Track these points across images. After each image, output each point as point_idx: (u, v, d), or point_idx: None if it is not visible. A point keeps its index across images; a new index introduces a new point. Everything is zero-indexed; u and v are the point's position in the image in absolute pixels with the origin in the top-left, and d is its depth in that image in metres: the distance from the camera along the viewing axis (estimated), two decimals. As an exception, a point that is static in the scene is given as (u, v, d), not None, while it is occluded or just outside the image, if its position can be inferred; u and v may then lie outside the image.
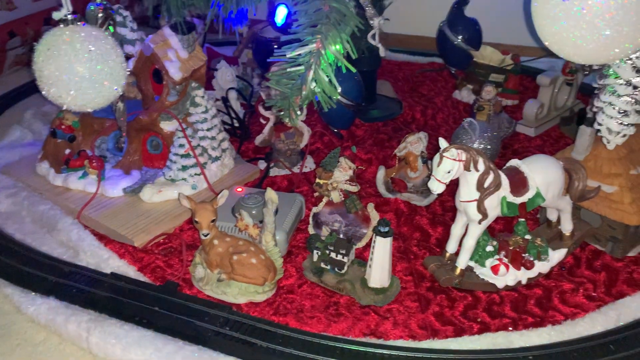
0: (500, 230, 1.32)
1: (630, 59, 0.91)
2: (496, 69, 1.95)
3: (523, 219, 1.19)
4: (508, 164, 1.14)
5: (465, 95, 2.03)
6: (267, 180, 1.52)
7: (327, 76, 0.66)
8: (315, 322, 1.08)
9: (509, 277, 1.15)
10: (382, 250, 1.10)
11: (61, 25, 0.95)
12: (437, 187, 1.05)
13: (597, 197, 1.19)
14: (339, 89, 0.68)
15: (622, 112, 0.97)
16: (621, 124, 0.98)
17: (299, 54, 0.65)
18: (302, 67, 0.66)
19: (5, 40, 2.10)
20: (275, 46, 1.74)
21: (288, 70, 0.66)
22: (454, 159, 1.02)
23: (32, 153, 1.61)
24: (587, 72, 1.70)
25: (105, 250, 1.23)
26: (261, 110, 1.53)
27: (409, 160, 1.40)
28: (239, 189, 1.36)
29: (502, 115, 1.73)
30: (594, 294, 1.14)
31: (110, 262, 1.21)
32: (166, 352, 0.98)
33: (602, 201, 1.20)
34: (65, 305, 1.10)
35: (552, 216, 1.25)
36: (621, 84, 0.95)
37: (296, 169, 1.55)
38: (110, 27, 1.22)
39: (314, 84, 0.66)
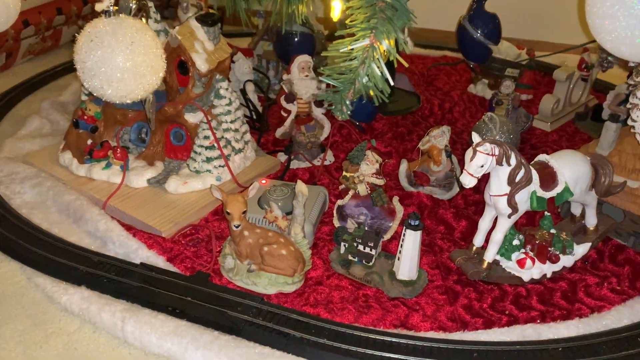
0: (522, 224, 1.34)
1: None
2: (512, 63, 1.96)
3: (549, 213, 1.21)
4: (537, 159, 1.16)
5: (480, 89, 2.04)
6: (288, 172, 1.53)
7: (380, 70, 0.67)
8: (345, 313, 1.09)
9: (534, 270, 1.16)
10: (411, 243, 1.11)
11: (103, 17, 0.96)
12: (469, 181, 1.06)
13: (623, 192, 1.21)
14: (392, 83, 0.69)
15: (657, 108, 0.99)
16: (656, 120, 1.00)
17: (352, 49, 0.66)
18: (355, 62, 0.66)
19: (20, 30, 2.09)
20: (296, 39, 1.76)
21: (341, 64, 0.67)
22: (488, 154, 1.04)
23: (52, 143, 1.61)
24: (605, 69, 1.71)
25: (134, 240, 1.24)
26: (283, 103, 1.53)
27: (432, 153, 1.41)
28: (263, 181, 1.37)
29: (520, 109, 1.75)
30: (618, 287, 1.15)
31: (139, 253, 1.22)
32: (203, 341, 0.99)
33: (626, 196, 1.22)
34: (97, 294, 1.11)
35: (576, 211, 1.26)
36: (658, 81, 0.96)
37: (316, 162, 1.56)
38: (143, 19, 1.22)
39: (366, 79, 0.67)
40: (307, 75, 1.51)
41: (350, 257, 1.20)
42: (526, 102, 2.00)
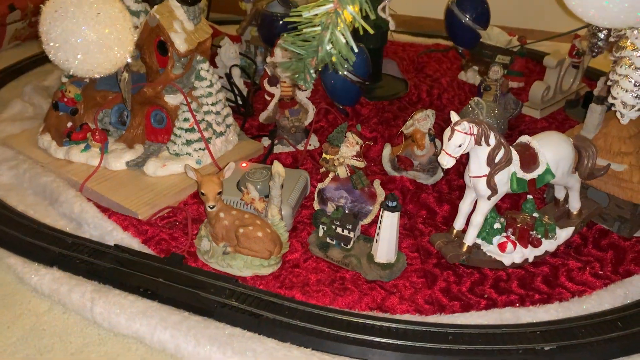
0: (507, 209, 1.32)
1: None
2: (502, 50, 1.93)
3: (531, 197, 1.19)
4: (518, 140, 1.13)
5: (470, 76, 2.01)
6: (271, 156, 1.51)
7: (344, 38, 0.65)
8: (321, 295, 1.07)
9: (516, 254, 1.14)
10: (389, 224, 1.09)
11: (68, -13, 0.93)
12: (447, 161, 1.03)
13: (606, 175, 1.19)
14: (356, 50, 0.66)
15: (638, 85, 0.96)
16: (636, 97, 0.97)
17: (315, 14, 0.63)
18: (318, 28, 0.64)
19: (5, 14, 2.07)
20: (281, 22, 1.73)
21: (304, 31, 0.64)
22: (466, 133, 1.01)
23: (33, 126, 1.59)
24: (595, 54, 1.68)
25: (109, 222, 1.22)
26: (266, 86, 1.51)
27: (415, 137, 1.38)
28: (244, 164, 1.35)
29: (509, 96, 1.72)
30: (600, 272, 1.13)
31: (114, 234, 1.20)
32: (171, 322, 0.97)
33: (610, 180, 1.19)
34: (69, 276, 1.09)
35: (559, 194, 1.24)
36: (639, 56, 0.93)
37: (300, 146, 1.54)
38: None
39: (330, 46, 0.65)
40: (291, 58, 1.48)
41: (328, 240, 1.17)
42: (517, 90, 1.97)
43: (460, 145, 1.02)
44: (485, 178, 1.06)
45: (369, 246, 1.16)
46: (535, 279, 1.12)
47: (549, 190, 1.33)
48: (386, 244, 1.11)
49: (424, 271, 1.14)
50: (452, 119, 1.04)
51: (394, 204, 1.08)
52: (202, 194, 1.09)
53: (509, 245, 1.13)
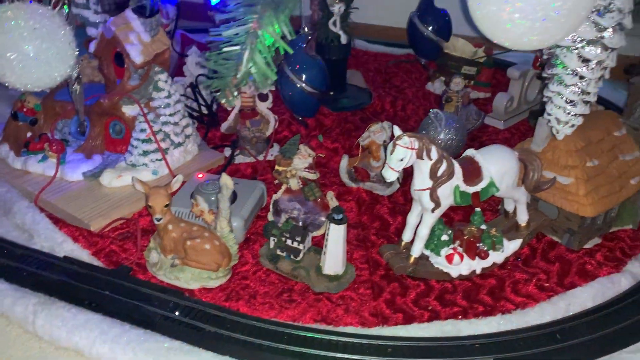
0: (459, 220, 1.33)
1: (576, 48, 0.91)
2: (468, 61, 1.95)
3: (479, 209, 1.20)
4: (464, 154, 1.15)
5: (437, 87, 2.03)
6: (231, 167, 1.51)
7: (265, 57, 0.65)
8: (266, 308, 1.08)
9: (463, 266, 1.15)
10: (335, 237, 1.10)
11: (6, 2, 0.94)
12: (390, 175, 1.05)
13: (554, 188, 1.20)
14: (274, 74, 0.67)
15: (569, 102, 0.98)
16: (569, 113, 0.98)
17: (236, 34, 0.64)
18: (238, 47, 0.65)
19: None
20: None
21: (225, 50, 0.65)
22: (407, 147, 1.02)
23: (-6, 136, 1.58)
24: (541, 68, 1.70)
25: (60, 233, 1.22)
26: (226, 96, 1.51)
27: (371, 149, 1.40)
28: (200, 175, 1.35)
29: (471, 107, 1.74)
30: (546, 284, 1.14)
31: (64, 246, 1.20)
32: (112, 335, 0.97)
33: (558, 192, 1.21)
34: (14, 288, 1.09)
35: (509, 207, 1.25)
36: (568, 74, 0.95)
37: (261, 157, 1.55)
38: (65, 7, 1.20)
39: (250, 65, 0.66)
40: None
41: (278, 252, 1.18)
42: (484, 100, 1.99)
43: (402, 159, 1.03)
44: (428, 191, 1.07)
45: (318, 258, 1.17)
46: (480, 291, 1.13)
47: (504, 202, 1.34)
48: (333, 256, 1.12)
49: (371, 282, 1.15)
50: (394, 134, 1.05)
51: (340, 216, 1.09)
52: (149, 206, 1.09)
53: (456, 257, 1.14)
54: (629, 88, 1.24)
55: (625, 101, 1.25)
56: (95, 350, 0.95)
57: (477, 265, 1.17)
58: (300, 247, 1.16)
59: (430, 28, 1.77)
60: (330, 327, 1.04)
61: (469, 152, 1.14)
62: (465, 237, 1.16)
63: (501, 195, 1.17)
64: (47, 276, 1.11)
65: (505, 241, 1.19)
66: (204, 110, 1.72)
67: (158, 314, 1.03)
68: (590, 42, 0.92)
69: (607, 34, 0.91)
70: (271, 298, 1.10)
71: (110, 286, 1.09)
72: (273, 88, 1.47)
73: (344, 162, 1.45)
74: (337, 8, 1.16)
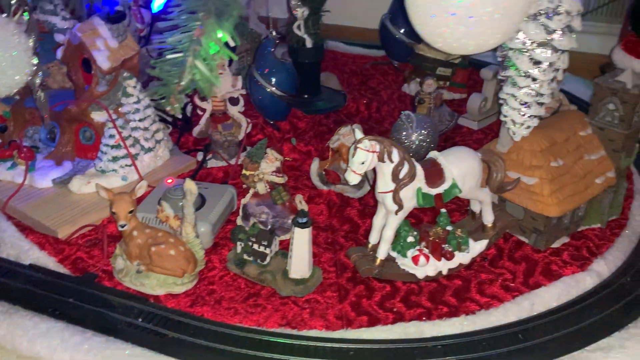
0: (428, 222, 1.33)
1: (527, 51, 0.92)
2: (443, 62, 1.96)
3: (444, 210, 1.20)
4: (428, 156, 1.15)
5: (413, 88, 2.03)
6: (202, 171, 1.51)
7: (208, 64, 0.66)
8: (231, 313, 1.08)
9: (429, 267, 1.16)
10: (300, 241, 1.10)
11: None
12: (352, 178, 1.05)
13: (519, 189, 1.21)
14: (217, 81, 0.67)
15: (523, 104, 0.98)
16: (523, 115, 0.99)
17: (179, 41, 0.64)
18: (181, 55, 0.65)
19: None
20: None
21: (168, 57, 0.65)
22: (368, 150, 1.03)
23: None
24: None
25: (26, 241, 1.22)
26: (197, 101, 1.52)
27: (341, 152, 1.40)
28: (169, 181, 1.35)
29: (444, 108, 1.75)
30: (511, 284, 1.15)
31: (30, 254, 1.19)
32: (73, 342, 0.97)
33: (523, 193, 1.22)
34: (-22, 297, 1.08)
35: (475, 208, 1.26)
36: (521, 76, 0.96)
37: (233, 161, 1.55)
38: (25, 14, 1.19)
39: (194, 72, 0.66)
40: (221, 73, 1.49)
41: (245, 257, 1.18)
42: (459, 101, 2.00)
43: (363, 163, 1.03)
44: (391, 194, 1.08)
45: (285, 262, 1.17)
46: (446, 292, 1.13)
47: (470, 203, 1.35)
48: (299, 260, 1.12)
49: (338, 285, 1.15)
50: (355, 137, 1.05)
51: (304, 220, 1.09)
52: (113, 213, 1.09)
53: (422, 259, 1.15)
54: (594, 87, 1.25)
55: (590, 101, 1.26)
56: (56, 358, 0.95)
57: (443, 266, 1.17)
58: (267, 251, 1.16)
59: (402, 30, 1.78)
60: (294, 331, 1.04)
61: (432, 154, 1.14)
62: (430, 239, 1.17)
63: (465, 197, 1.17)
64: (12, 284, 1.11)
65: (471, 242, 1.20)
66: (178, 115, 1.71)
67: (121, 320, 1.03)
68: (540, 45, 0.92)
69: (557, 36, 0.92)
70: (237, 303, 1.10)
71: (75, 294, 1.09)
72: (243, 92, 1.47)
73: (315, 165, 1.45)
74: (301, 12, 1.16)
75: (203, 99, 1.51)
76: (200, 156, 1.57)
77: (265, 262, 1.16)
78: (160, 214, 1.17)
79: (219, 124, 1.54)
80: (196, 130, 1.56)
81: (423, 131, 1.55)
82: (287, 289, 1.13)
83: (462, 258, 1.18)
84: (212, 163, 1.55)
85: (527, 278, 1.16)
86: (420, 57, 1.96)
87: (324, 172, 1.44)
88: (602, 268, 1.19)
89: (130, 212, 1.10)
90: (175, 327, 1.01)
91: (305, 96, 1.75)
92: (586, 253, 1.24)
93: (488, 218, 1.22)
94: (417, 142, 1.54)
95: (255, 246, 1.17)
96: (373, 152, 1.03)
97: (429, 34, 0.84)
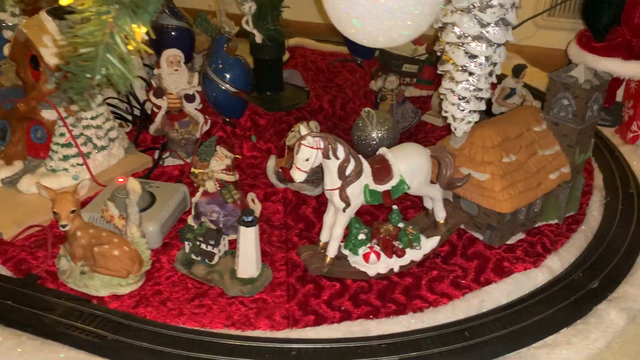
0: (385, 219, 1.32)
1: (462, 45, 0.91)
2: (409, 59, 1.95)
3: (396, 207, 1.19)
4: (377, 152, 1.14)
5: (380, 85, 2.02)
6: (158, 170, 1.49)
7: (122, 58, 0.63)
8: (176, 314, 1.05)
9: (380, 265, 1.14)
10: (247, 239, 1.08)
11: None
12: (297, 176, 1.03)
13: (471, 185, 1.20)
14: (131, 78, 0.65)
15: (462, 99, 0.97)
16: (463, 110, 0.98)
17: (91, 34, 0.62)
18: (93, 49, 0.63)
19: None
20: (173, 33, 1.72)
21: (81, 51, 0.63)
22: (312, 147, 1.01)
23: None
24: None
25: (-32, 243, 1.18)
26: (152, 98, 1.49)
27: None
28: (121, 180, 1.32)
29: (407, 104, 1.73)
30: (463, 281, 1.14)
31: (-28, 256, 1.16)
32: (6, 346, 0.94)
33: (475, 189, 1.21)
34: None
35: (428, 204, 1.25)
36: (458, 70, 0.94)
37: (190, 159, 1.52)
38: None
39: (107, 66, 0.64)
40: (176, 70, 1.47)
41: (193, 257, 1.16)
42: (426, 98, 1.99)
43: (307, 159, 1.02)
44: (338, 191, 1.06)
45: (234, 261, 1.15)
46: (396, 289, 1.12)
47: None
48: (246, 259, 1.10)
49: (287, 284, 1.13)
50: (301, 133, 1.03)
51: (250, 218, 1.07)
52: (55, 212, 1.06)
53: (372, 256, 1.13)
54: (548, 82, 1.24)
55: (545, 96, 1.25)
56: (-13, 363, 0.92)
57: (395, 263, 1.16)
58: (215, 250, 1.14)
59: (363, 26, 1.76)
60: (238, 332, 1.02)
61: (381, 150, 1.13)
62: (381, 236, 1.15)
63: (414, 193, 1.16)
64: (-50, 288, 1.08)
65: (423, 239, 1.18)
66: (137, 113, 1.69)
67: (60, 323, 1.00)
68: (475, 38, 0.91)
69: (491, 29, 0.90)
70: (182, 304, 1.08)
71: (14, 296, 1.06)
72: (199, 89, 1.44)
73: (271, 162, 1.43)
74: (248, 7, 1.14)
75: (157, 95, 1.49)
76: (158, 155, 1.55)
77: (213, 262, 1.14)
78: (104, 213, 1.15)
79: (175, 121, 1.51)
80: (152, 128, 1.54)
81: (383, 128, 1.55)
82: (234, 289, 1.11)
83: (413, 255, 1.17)
84: (169, 161, 1.53)
85: (479, 275, 1.15)
86: (387, 54, 1.95)
87: (280, 170, 1.42)
88: (555, 264, 1.19)
89: (73, 211, 1.07)
90: (115, 329, 0.99)
91: (268, 93, 1.73)
92: (540, 249, 1.23)
93: (440, 214, 1.21)
94: (377, 140, 1.53)
95: (203, 246, 1.14)
96: (317, 148, 1.01)
97: (341, 26, 0.83)
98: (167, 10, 1.64)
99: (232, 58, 1.44)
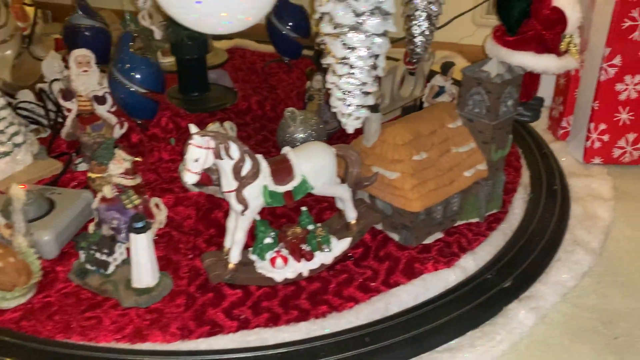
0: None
1: (339, 36, 0.87)
2: (342, 58, 1.91)
3: (305, 209, 1.15)
4: (280, 152, 1.09)
5: (316, 85, 1.98)
6: (67, 176, 1.41)
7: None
8: (62, 327, 0.99)
9: (288, 270, 1.10)
10: (138, 247, 1.02)
11: None
12: (188, 178, 0.98)
13: (383, 184, 1.16)
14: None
15: (346, 93, 0.93)
16: (349, 105, 0.94)
17: None
18: None
19: None
20: (86, 33, 1.65)
21: None
22: (201, 147, 0.96)
23: None
24: (415, 61, 1.67)
25: None
26: (61, 101, 1.42)
27: (211, 151, 1.32)
28: (21, 187, 1.25)
29: (335, 104, 1.69)
30: (372, 284, 1.10)
31: None
32: None
33: (386, 188, 1.17)
34: None
35: (339, 205, 1.20)
36: (339, 63, 0.91)
37: (104, 164, 1.45)
38: None
39: None
40: (86, 71, 1.40)
41: (88, 266, 1.09)
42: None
43: (197, 160, 0.96)
44: (235, 193, 1.01)
45: (132, 270, 1.09)
46: (301, 294, 1.07)
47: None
48: (140, 268, 1.04)
49: (187, 294, 1.07)
50: (190, 132, 0.98)
51: (140, 224, 1.01)
52: None
53: (279, 260, 1.08)
54: (462, 78, 1.21)
55: (458, 92, 1.22)
56: None
57: (304, 267, 1.11)
58: (110, 259, 1.08)
59: (287, 25, 1.72)
60: (125, 346, 0.95)
61: (284, 150, 1.08)
62: (288, 239, 1.11)
63: (320, 193, 1.12)
64: None
65: (334, 241, 1.14)
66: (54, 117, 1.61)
67: None
68: (351, 29, 0.87)
69: (366, 18, 0.86)
70: (72, 316, 1.01)
71: None
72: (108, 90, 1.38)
73: (183, 165, 1.37)
74: (142, 1, 1.09)
75: (66, 98, 1.42)
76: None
77: (108, 272, 1.08)
78: (-11, 223, 1.08)
79: (87, 125, 1.44)
80: (63, 133, 1.46)
81: (308, 129, 1.50)
82: (129, 300, 1.04)
83: (323, 258, 1.13)
84: (83, 167, 1.45)
85: (389, 277, 1.11)
86: (319, 53, 1.91)
87: (195, 173, 1.36)
88: (469, 264, 1.16)
89: (-48, 221, 1.00)
90: (-11, 347, 0.92)
91: (195, 94, 1.68)
92: (456, 249, 1.20)
93: (350, 215, 1.17)
94: (301, 140, 1.48)
95: (97, 254, 1.08)
96: (207, 148, 0.96)
97: (173, 13, 0.78)
98: (79, 10, 1.57)
99: (140, 57, 1.38)
